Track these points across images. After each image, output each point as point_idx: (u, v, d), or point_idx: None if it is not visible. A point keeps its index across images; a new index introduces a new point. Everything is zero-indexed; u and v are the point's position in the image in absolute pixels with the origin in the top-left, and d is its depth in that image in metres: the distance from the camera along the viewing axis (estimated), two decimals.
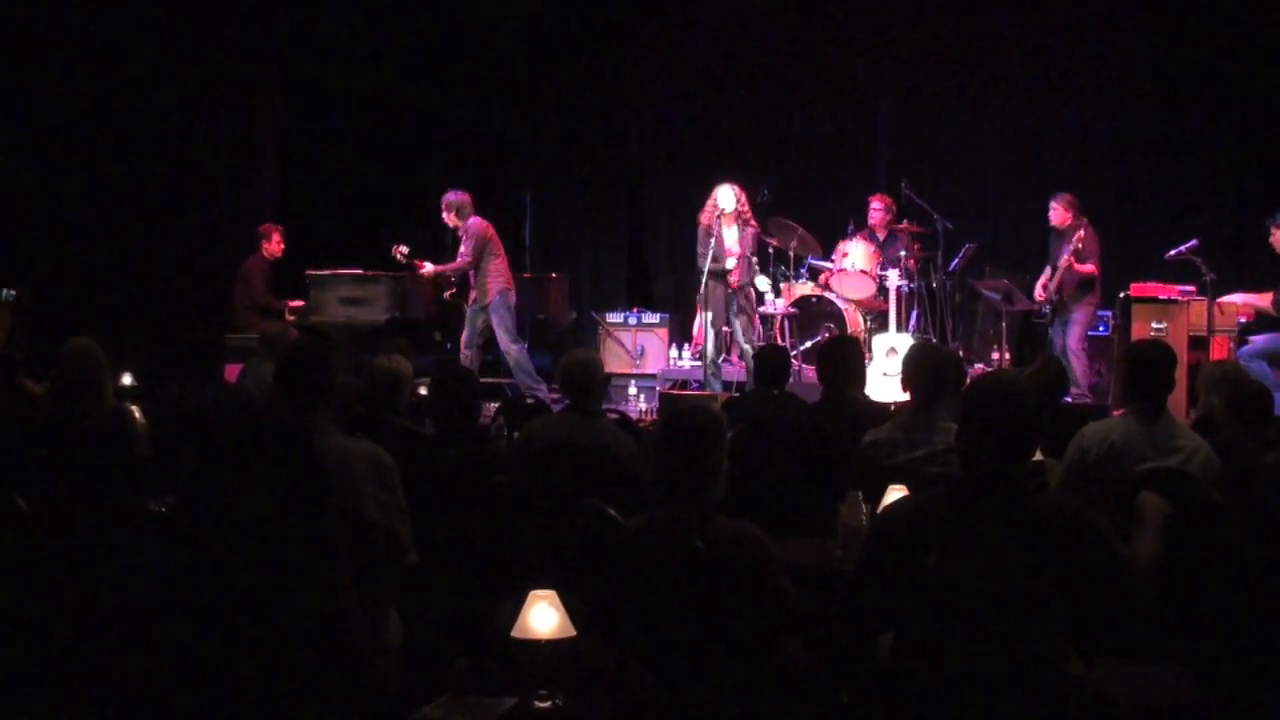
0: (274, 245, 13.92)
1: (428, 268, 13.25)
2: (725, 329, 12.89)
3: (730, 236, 12.46)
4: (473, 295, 12.99)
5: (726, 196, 12.42)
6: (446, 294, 13.59)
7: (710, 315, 12.50)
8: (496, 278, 12.88)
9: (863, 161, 15.90)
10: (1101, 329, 13.55)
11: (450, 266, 13.11)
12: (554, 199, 16.61)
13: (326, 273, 13.57)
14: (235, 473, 3.57)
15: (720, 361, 12.78)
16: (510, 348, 12.91)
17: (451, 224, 13.05)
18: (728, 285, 12.46)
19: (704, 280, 12.40)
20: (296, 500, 3.55)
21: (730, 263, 12.39)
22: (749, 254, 12.50)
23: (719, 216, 12.37)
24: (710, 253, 12.30)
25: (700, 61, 16.47)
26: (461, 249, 12.92)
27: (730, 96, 16.29)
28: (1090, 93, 14.96)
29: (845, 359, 7.61)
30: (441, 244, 14.70)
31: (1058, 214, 12.91)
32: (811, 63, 15.93)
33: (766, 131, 16.07)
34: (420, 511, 5.39)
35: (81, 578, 4.97)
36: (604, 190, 16.84)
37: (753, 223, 12.63)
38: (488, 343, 13.10)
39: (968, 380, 6.40)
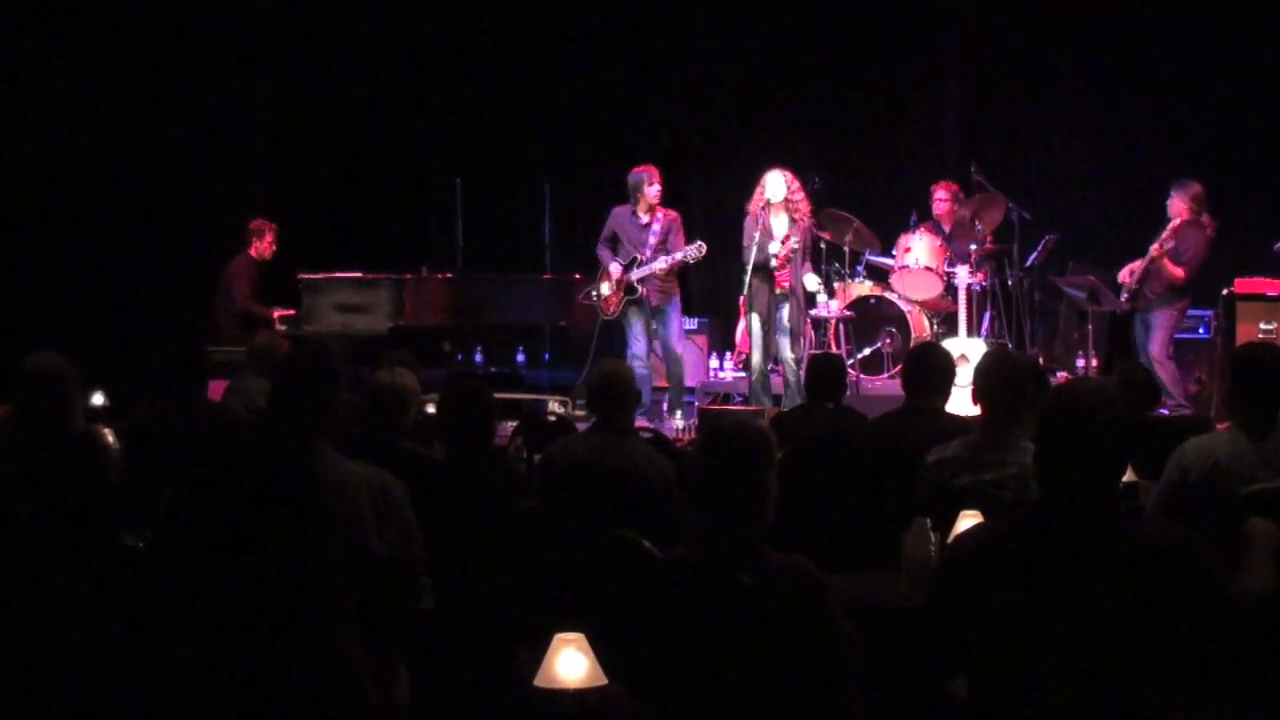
0: (265, 245, 13.96)
1: (659, 263, 12.83)
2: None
3: (779, 228, 12.44)
4: (642, 291, 12.90)
5: (776, 183, 12.40)
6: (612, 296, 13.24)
7: (756, 318, 12.49)
8: (675, 277, 13.01)
9: (926, 144, 15.88)
10: (1201, 330, 13.49)
11: (677, 261, 12.83)
12: (576, 191, 16.60)
13: (320, 276, 13.61)
14: (221, 503, 3.57)
15: (769, 371, 12.76)
16: (684, 352, 13.09)
17: (653, 199, 12.91)
18: (774, 284, 12.44)
19: (748, 278, 12.38)
20: (292, 535, 3.56)
21: (774, 258, 12.36)
22: (799, 250, 12.44)
23: (765, 206, 12.35)
24: (755, 246, 12.29)
25: (739, 33, 16.47)
26: (673, 240, 12.80)
27: (773, 73, 16.29)
28: (1190, 60, 14.87)
29: (932, 367, 7.56)
30: (448, 241, 14.74)
31: (1175, 205, 12.72)
32: (865, 32, 15.91)
33: (816, 113, 16.07)
34: (428, 546, 5.39)
35: (47, 620, 4.99)
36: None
37: (805, 214, 12.59)
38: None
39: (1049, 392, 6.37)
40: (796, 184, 12.52)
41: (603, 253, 13.05)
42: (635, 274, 12.78)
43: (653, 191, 12.77)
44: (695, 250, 12.55)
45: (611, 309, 12.99)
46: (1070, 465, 4.04)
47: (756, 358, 12.59)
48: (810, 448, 7.35)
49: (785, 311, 12.48)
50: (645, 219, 12.83)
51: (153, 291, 14.66)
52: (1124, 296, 12.90)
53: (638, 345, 12.93)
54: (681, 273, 13.18)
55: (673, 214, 12.92)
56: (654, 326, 12.95)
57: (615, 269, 12.92)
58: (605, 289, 12.99)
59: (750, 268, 12.34)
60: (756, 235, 12.28)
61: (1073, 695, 3.91)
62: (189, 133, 15.12)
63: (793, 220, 12.45)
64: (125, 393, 10.42)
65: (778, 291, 12.48)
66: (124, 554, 5.32)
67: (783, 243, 12.29)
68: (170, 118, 14.94)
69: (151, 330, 14.21)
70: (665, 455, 7.18)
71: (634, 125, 16.88)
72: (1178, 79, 14.83)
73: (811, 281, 12.90)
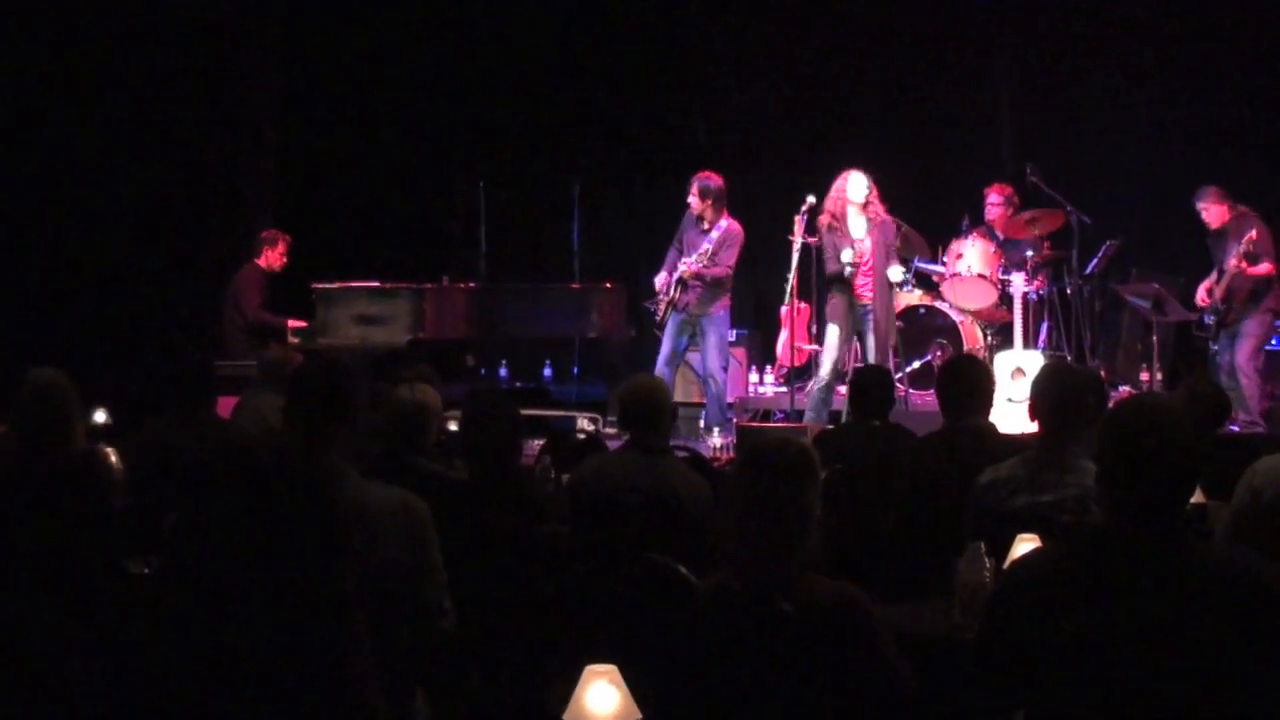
0: (276, 256, 13.96)
1: (681, 266, 12.91)
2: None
3: (856, 231, 12.47)
4: (684, 300, 12.92)
5: (858, 184, 12.44)
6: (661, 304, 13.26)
7: (836, 329, 12.50)
8: (727, 291, 13.01)
9: (978, 144, 15.86)
10: (1276, 342, 13.45)
11: (712, 271, 12.84)
12: (607, 193, 16.59)
13: (336, 286, 13.62)
14: (232, 527, 3.58)
15: (833, 385, 12.71)
16: (720, 373, 13.03)
17: (699, 211, 12.96)
18: (853, 294, 12.44)
19: (829, 287, 12.45)
20: (309, 561, 3.56)
21: (851, 266, 12.38)
22: (885, 250, 12.47)
23: (843, 210, 12.42)
24: (834, 254, 12.35)
25: (778, 25, 16.47)
26: (720, 254, 12.79)
27: (815, 69, 16.28)
28: (1261, 58, 14.83)
29: (971, 381, 7.55)
30: (470, 248, 14.76)
31: (1211, 213, 12.77)
32: (914, 25, 15.91)
33: (860, 110, 16.06)
34: (451, 571, 5.40)
35: (47, 652, 5.00)
36: (665, 183, 16.85)
37: (883, 213, 12.58)
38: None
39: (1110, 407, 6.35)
40: (875, 187, 12.54)
41: (669, 254, 13.10)
42: (674, 277, 12.82)
43: (693, 200, 12.81)
44: (705, 257, 12.69)
45: (660, 314, 13.04)
46: (1133, 486, 4.02)
47: (826, 369, 12.54)
48: (856, 467, 7.33)
49: (870, 324, 12.47)
50: (706, 225, 12.85)
51: (158, 303, 14.69)
52: (1209, 320, 12.85)
53: (666, 349, 12.97)
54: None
55: (735, 227, 12.90)
56: (695, 338, 12.97)
57: (663, 274, 13.03)
58: (660, 294, 13.03)
59: (829, 278, 12.43)
60: (835, 241, 12.32)
61: None
62: (196, 135, 15.16)
63: (870, 223, 12.46)
64: (129, 410, 10.46)
65: (861, 303, 12.48)
66: (127, 581, 5.34)
67: (855, 250, 12.35)
68: (177, 120, 14.98)
69: (156, 344, 14.23)
70: (702, 475, 7.17)
71: (669, 123, 16.88)
72: (1247, 76, 14.79)
73: (895, 273, 12.81)
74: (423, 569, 5.23)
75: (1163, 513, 4.01)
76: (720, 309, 12.93)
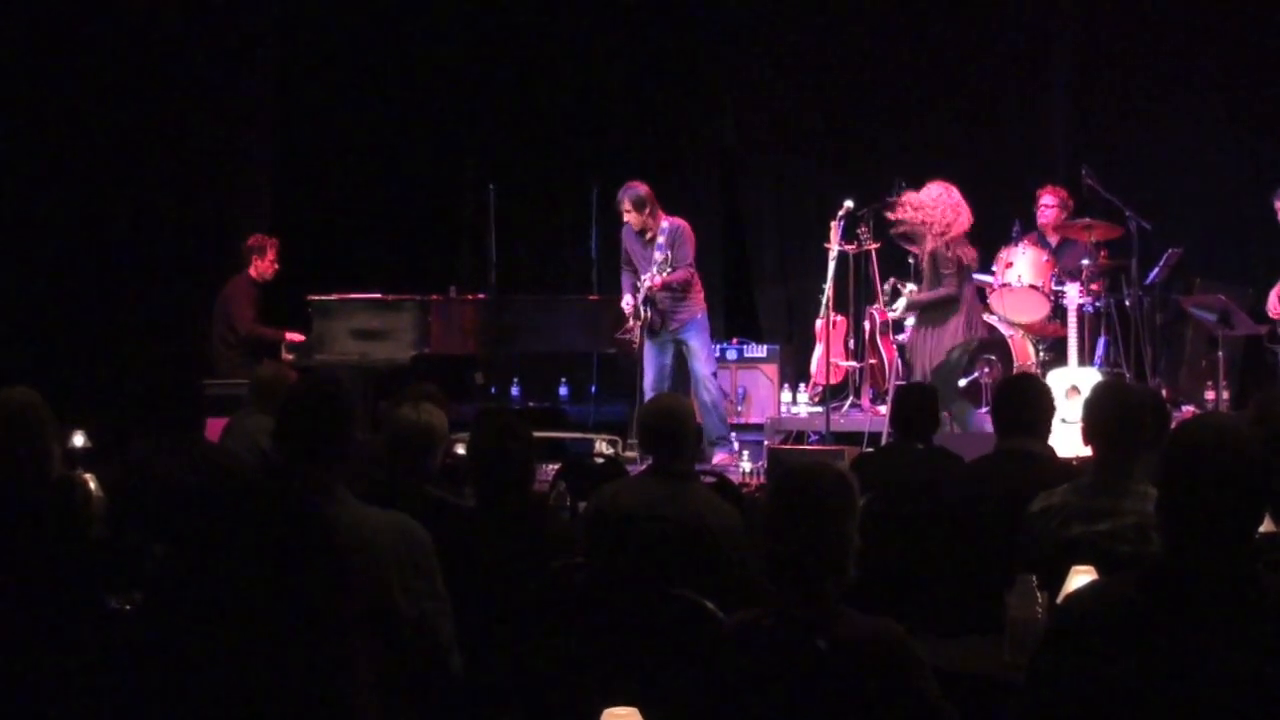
0: (266, 264, 13.94)
1: (647, 280, 13.00)
2: None
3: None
4: (655, 320, 13.02)
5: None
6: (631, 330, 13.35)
7: None
8: (698, 291, 13.14)
9: (1030, 143, 15.84)
10: None
11: (676, 276, 12.97)
12: None
13: (334, 298, 13.64)
14: (223, 560, 3.58)
15: None
16: (712, 380, 13.17)
17: (639, 225, 13.11)
18: None
19: (826, 296, 12.50)
20: (307, 593, 3.56)
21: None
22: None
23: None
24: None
25: (814, 15, 16.48)
26: (676, 255, 12.92)
27: (853, 61, 16.28)
28: None
29: (1027, 401, 7.53)
30: (479, 257, 14.76)
31: None
32: (960, 13, 15.91)
33: (901, 106, 16.04)
34: (459, 605, 5.40)
35: (21, 695, 5.01)
36: (692, 184, 16.87)
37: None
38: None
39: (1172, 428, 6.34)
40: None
41: (625, 281, 13.29)
42: (639, 298, 12.92)
43: (632, 218, 13.04)
44: (664, 264, 12.82)
45: (635, 340, 13.08)
46: (1197, 514, 4.00)
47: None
48: (898, 494, 7.33)
49: None
50: (649, 234, 12.93)
51: (142, 316, 14.69)
52: None
53: (650, 375, 13.10)
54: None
55: (679, 222, 13.11)
56: (680, 352, 13.10)
57: (628, 302, 13.18)
58: (629, 321, 13.08)
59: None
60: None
61: None
62: (184, 134, 15.16)
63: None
64: (110, 433, 10.47)
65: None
66: (108, 618, 5.34)
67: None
68: (164, 118, 14.98)
69: (140, 360, 14.23)
70: (731, 502, 7.17)
71: (695, 121, 16.89)
72: None
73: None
74: (425, 600, 5.24)
75: (1229, 542, 3.99)
76: (697, 313, 13.11)
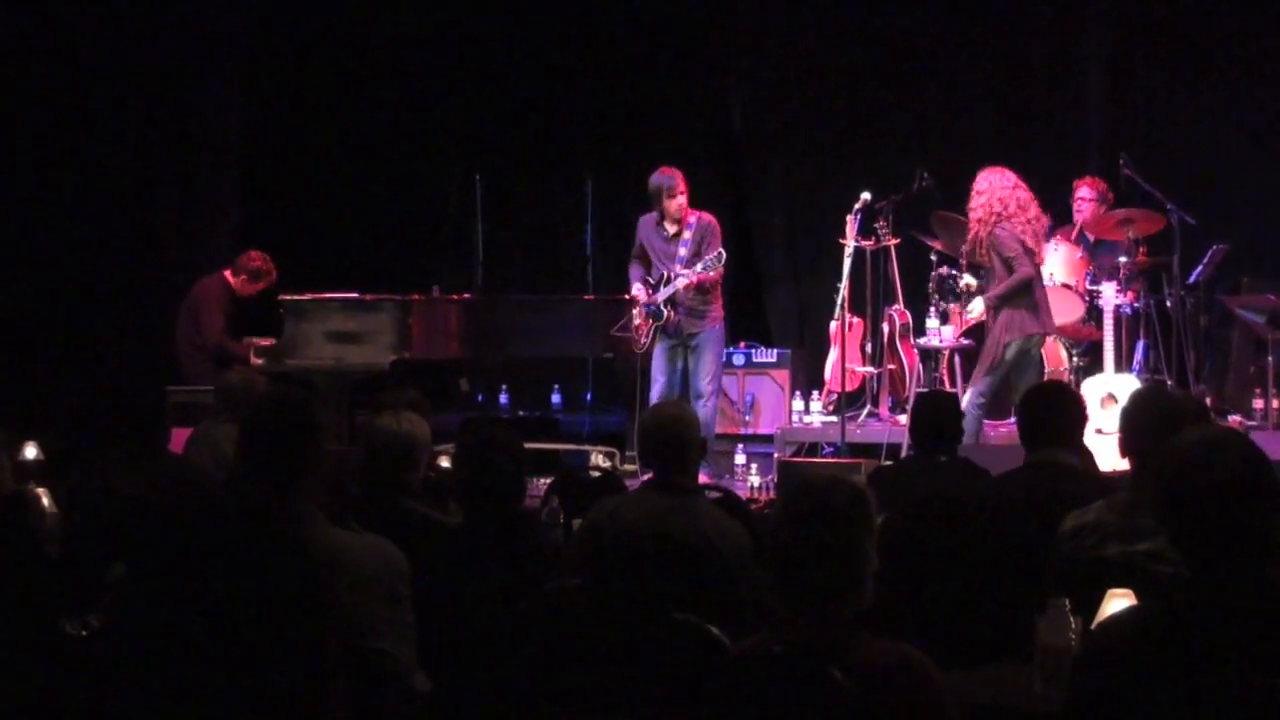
0: (252, 286, 13.87)
1: (680, 279, 12.97)
2: None
3: None
4: (675, 321, 13.03)
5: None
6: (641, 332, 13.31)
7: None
8: (719, 297, 13.12)
9: (1064, 131, 15.85)
10: None
11: (711, 276, 12.94)
12: (626, 188, 16.54)
13: (307, 297, 13.64)
14: (186, 581, 3.59)
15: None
16: (714, 397, 13.17)
17: (678, 214, 13.06)
18: None
19: (840, 297, 12.53)
20: (279, 621, 3.56)
21: None
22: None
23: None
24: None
25: None
26: (706, 251, 12.90)
27: (872, 40, 16.28)
28: None
29: (1058, 411, 7.54)
30: (465, 253, 14.77)
31: None
32: None
33: (922, 89, 16.05)
34: (444, 633, 5.41)
35: None
36: (694, 174, 16.85)
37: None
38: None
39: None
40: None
41: (633, 271, 13.19)
42: (660, 295, 12.85)
43: (675, 205, 12.87)
44: (714, 260, 12.64)
45: (643, 340, 13.06)
46: (1209, 536, 4.03)
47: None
48: (918, 510, 7.33)
49: None
50: (672, 229, 12.91)
51: (101, 319, 14.69)
52: None
53: (660, 381, 13.01)
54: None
55: (707, 218, 13.07)
56: (687, 360, 13.02)
57: (639, 291, 13.07)
58: (636, 316, 13.05)
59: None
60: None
61: None
62: (145, 121, 15.17)
63: None
64: (65, 444, 10.48)
65: None
66: (63, 644, 5.35)
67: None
68: (123, 101, 14.99)
69: (99, 366, 14.25)
70: (738, 520, 7.17)
71: (698, 105, 16.89)
72: None
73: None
74: (398, 629, 5.26)
75: (1252, 557, 4.01)
76: (715, 322, 13.10)
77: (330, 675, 3.66)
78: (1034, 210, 12.33)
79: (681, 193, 12.92)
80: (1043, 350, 13.62)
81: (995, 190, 12.34)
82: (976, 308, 13.22)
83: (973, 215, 12.40)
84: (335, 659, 3.69)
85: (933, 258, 14.07)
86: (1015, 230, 12.24)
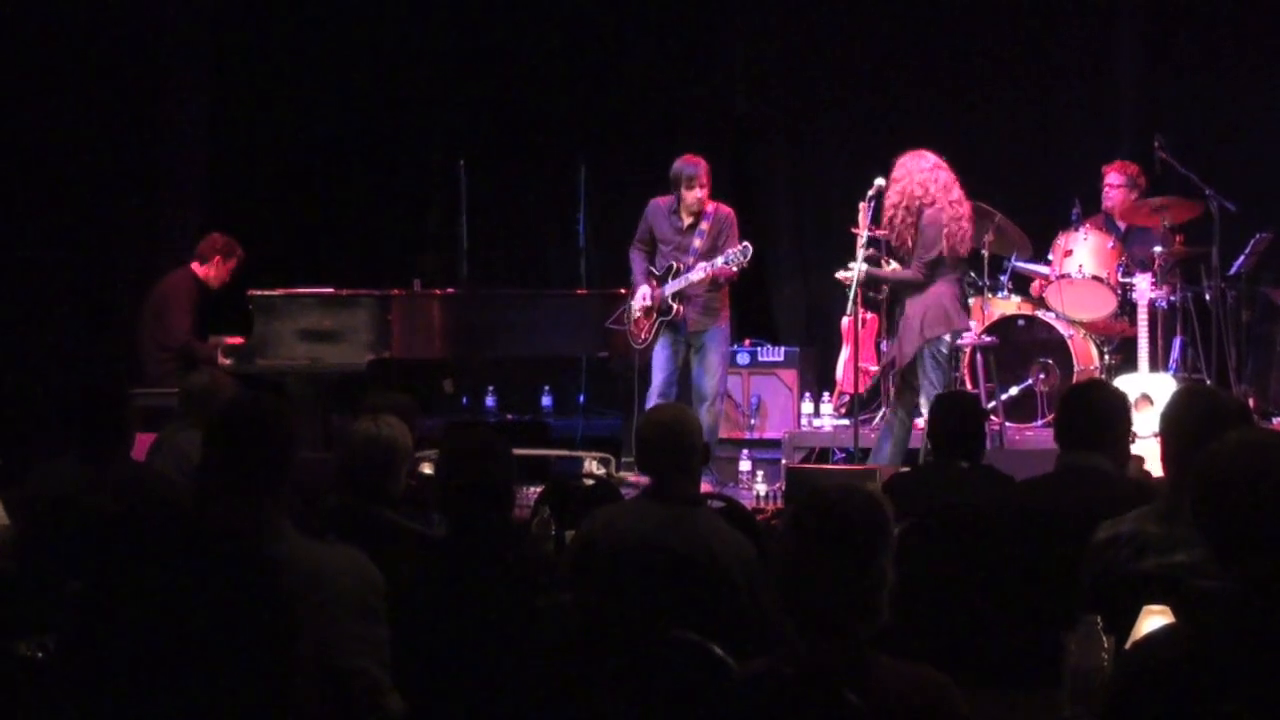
0: (223, 270, 13.85)
1: (696, 272, 12.97)
2: None
3: None
4: (683, 315, 13.06)
5: None
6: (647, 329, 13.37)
7: None
8: (727, 295, 13.17)
9: (1093, 111, 15.86)
10: None
11: (727, 271, 12.96)
12: (622, 175, 16.56)
13: (278, 293, 13.63)
14: (148, 599, 3.58)
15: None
16: (721, 400, 13.25)
17: (697, 206, 13.07)
18: None
19: (852, 294, 12.54)
20: (247, 641, 3.56)
21: None
22: None
23: None
24: None
25: None
26: (723, 244, 12.94)
27: (885, 16, 16.28)
28: None
29: (1096, 411, 7.52)
30: (448, 245, 14.77)
31: None
32: None
33: (940, 67, 16.06)
34: (427, 652, 5.41)
35: None
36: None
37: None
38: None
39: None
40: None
41: (635, 259, 13.16)
42: (670, 287, 12.83)
43: (694, 196, 12.87)
44: (739, 254, 12.63)
45: (644, 335, 13.05)
46: (1248, 551, 4.03)
47: None
48: (938, 520, 7.33)
49: None
50: (688, 220, 12.91)
51: (57, 316, 14.68)
52: None
53: (660, 377, 13.02)
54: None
55: (725, 210, 13.09)
56: (690, 359, 13.04)
57: (645, 293, 13.10)
58: (636, 309, 13.03)
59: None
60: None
61: None
62: (107, 105, 15.14)
63: None
64: (17, 452, 10.49)
65: None
66: (15, 665, 5.34)
67: None
68: (82, 78, 14.96)
69: (53, 367, 14.23)
70: (743, 531, 7.17)
71: (701, 85, 16.90)
72: None
73: None
74: (371, 647, 5.25)
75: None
76: (723, 320, 13.15)
77: (298, 696, 3.65)
78: (957, 192, 12.31)
79: (703, 185, 12.90)
80: (1070, 347, 13.66)
81: (913, 175, 12.33)
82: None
83: (888, 202, 12.38)
84: (304, 679, 3.67)
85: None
86: (941, 218, 12.23)
